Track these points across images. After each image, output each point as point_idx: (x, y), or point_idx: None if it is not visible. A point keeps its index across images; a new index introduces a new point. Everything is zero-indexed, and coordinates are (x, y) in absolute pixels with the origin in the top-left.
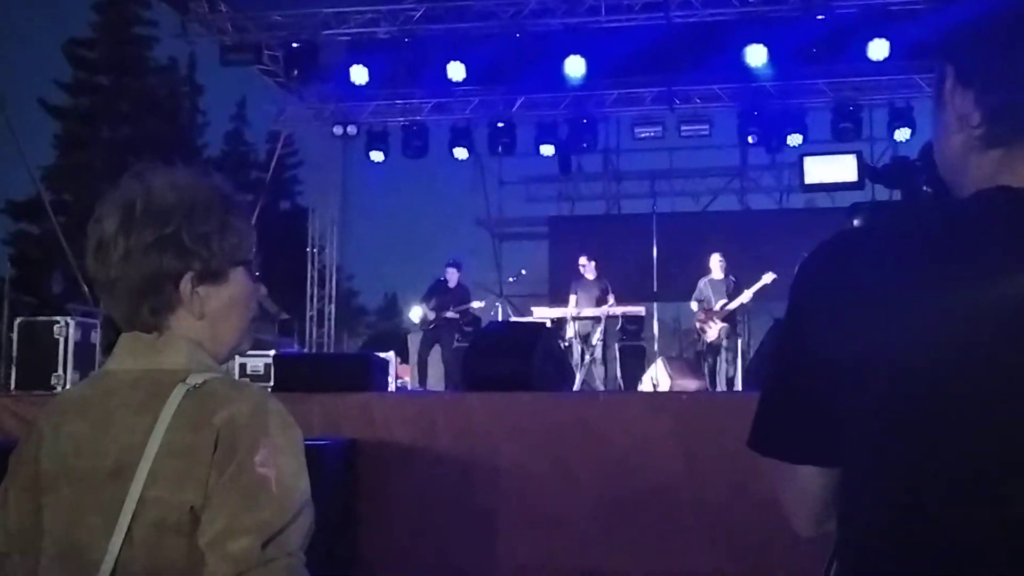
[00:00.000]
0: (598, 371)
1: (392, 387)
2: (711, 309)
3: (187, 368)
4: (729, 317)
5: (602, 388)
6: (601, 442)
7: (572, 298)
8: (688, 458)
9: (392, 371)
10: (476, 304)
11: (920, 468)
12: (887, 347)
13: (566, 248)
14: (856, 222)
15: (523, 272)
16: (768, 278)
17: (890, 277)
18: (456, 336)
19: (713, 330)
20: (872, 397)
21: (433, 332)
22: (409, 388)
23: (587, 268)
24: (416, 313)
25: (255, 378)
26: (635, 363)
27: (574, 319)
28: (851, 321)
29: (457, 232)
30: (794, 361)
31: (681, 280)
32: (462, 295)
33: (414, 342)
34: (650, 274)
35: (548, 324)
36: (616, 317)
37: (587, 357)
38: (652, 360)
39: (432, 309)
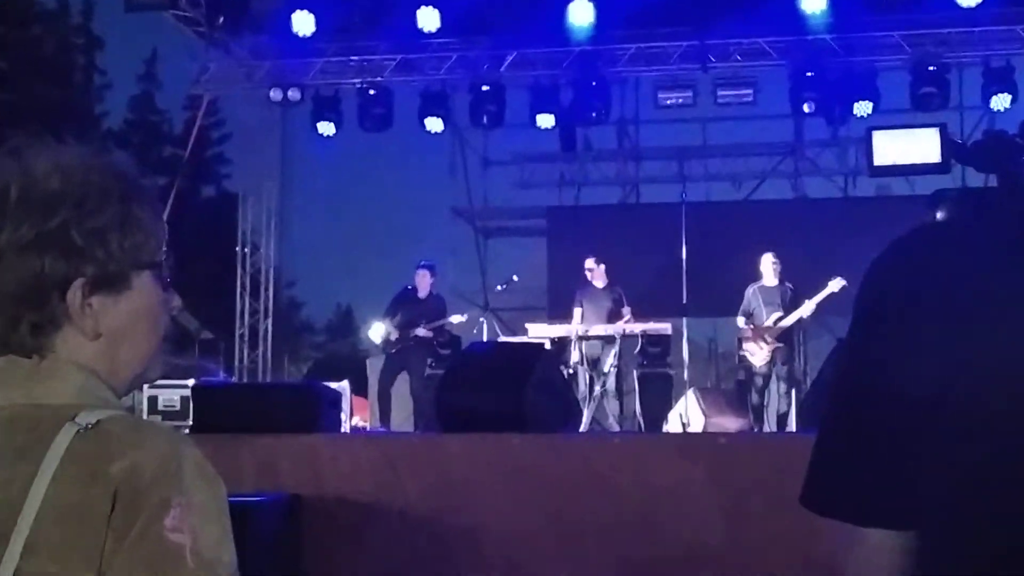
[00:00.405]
0: (611, 406)
1: (346, 427)
2: (762, 326)
3: (77, 403)
4: (783, 336)
5: (616, 428)
6: (615, 497)
7: (577, 312)
8: (728, 518)
9: (346, 406)
10: (454, 319)
11: None
12: (979, 375)
13: (570, 247)
14: (939, 214)
15: (515, 278)
16: (836, 285)
17: (982, 285)
18: (428, 361)
19: (761, 353)
20: (961, 441)
21: (399, 356)
22: (368, 428)
23: (596, 273)
24: (377, 331)
25: (168, 415)
26: (659, 396)
27: (580, 339)
28: (933, 341)
29: (430, 226)
30: (859, 393)
31: (717, 289)
32: (436, 307)
33: (374, 369)
34: (678, 281)
35: (547, 345)
36: (634, 337)
37: (597, 388)
38: (681, 392)
39: (397, 326)
